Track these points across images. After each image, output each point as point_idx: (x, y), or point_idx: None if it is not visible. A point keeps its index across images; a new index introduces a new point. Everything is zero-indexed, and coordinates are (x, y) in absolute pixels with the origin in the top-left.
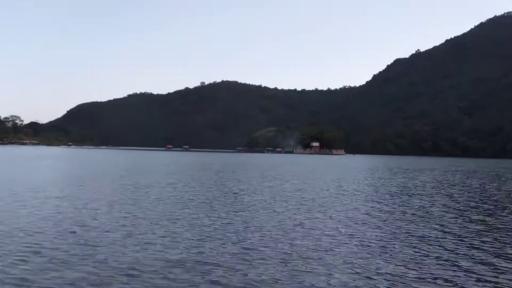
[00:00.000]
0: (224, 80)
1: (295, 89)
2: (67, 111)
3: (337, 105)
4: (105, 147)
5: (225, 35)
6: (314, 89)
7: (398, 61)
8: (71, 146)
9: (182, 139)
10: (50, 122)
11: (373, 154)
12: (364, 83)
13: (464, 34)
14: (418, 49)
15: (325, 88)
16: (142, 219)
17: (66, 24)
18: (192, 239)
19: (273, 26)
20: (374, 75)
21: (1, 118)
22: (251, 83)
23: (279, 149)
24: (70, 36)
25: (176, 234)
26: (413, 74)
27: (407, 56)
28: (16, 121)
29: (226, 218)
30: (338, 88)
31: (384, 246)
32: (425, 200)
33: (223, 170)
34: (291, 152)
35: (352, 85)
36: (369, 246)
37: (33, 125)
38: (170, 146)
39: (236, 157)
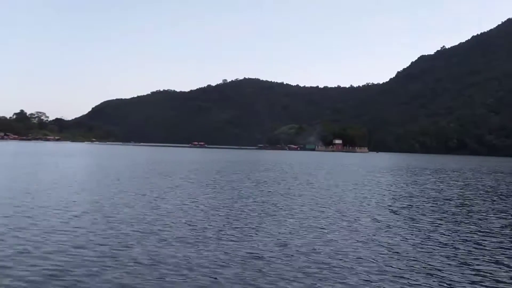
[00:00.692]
0: (246, 77)
1: (317, 86)
2: (92, 108)
3: (360, 102)
4: (128, 143)
5: (247, 32)
6: (336, 86)
7: (422, 58)
8: (95, 142)
9: (203, 136)
10: (75, 118)
11: (397, 151)
12: (387, 80)
13: (490, 30)
14: (444, 46)
15: (347, 85)
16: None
17: (91, 21)
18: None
19: (295, 23)
20: (398, 72)
21: (27, 114)
22: (272, 80)
23: (300, 146)
24: (95, 34)
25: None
26: (438, 71)
27: (431, 52)
28: (42, 117)
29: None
30: (360, 85)
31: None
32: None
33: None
34: (313, 150)
35: (375, 82)
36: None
37: (58, 121)
38: (195, 142)
39: (263, 154)
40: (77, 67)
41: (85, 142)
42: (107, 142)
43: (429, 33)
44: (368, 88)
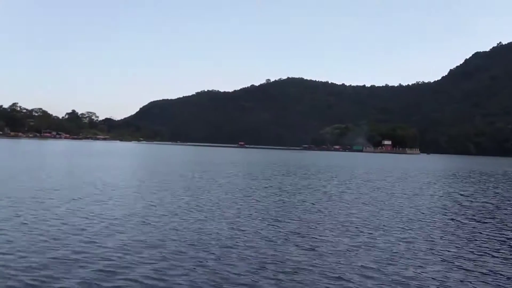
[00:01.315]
0: (290, 76)
1: (364, 85)
2: (140, 109)
3: (409, 101)
4: (174, 143)
5: (290, 31)
6: (384, 85)
7: (477, 55)
8: (142, 142)
9: (246, 136)
10: (124, 118)
11: (450, 153)
12: (439, 78)
13: None
14: (500, 42)
15: (396, 84)
16: None
17: (139, 23)
18: None
19: (340, 21)
20: (451, 70)
21: (78, 114)
22: (317, 80)
23: (347, 147)
24: (142, 37)
25: None
26: (495, 68)
27: (487, 49)
28: (92, 117)
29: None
30: (410, 84)
31: None
32: None
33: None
34: (361, 151)
35: (425, 81)
36: None
37: (108, 121)
38: (242, 142)
39: (310, 156)
40: (125, 69)
41: (133, 142)
42: (154, 142)
43: (484, 29)
44: (419, 87)
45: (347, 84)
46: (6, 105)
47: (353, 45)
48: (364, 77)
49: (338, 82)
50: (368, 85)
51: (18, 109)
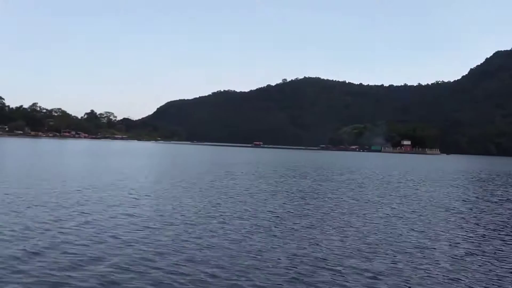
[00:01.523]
0: (307, 76)
1: (382, 85)
2: (157, 109)
3: (429, 101)
4: (190, 142)
5: (307, 31)
6: (402, 84)
7: (498, 54)
8: (159, 142)
9: (263, 136)
10: (141, 118)
11: (471, 154)
12: (459, 77)
13: None
14: None
15: (414, 83)
16: None
17: (155, 24)
18: None
19: (357, 20)
20: (471, 69)
21: (97, 114)
22: (334, 79)
23: (365, 147)
24: (158, 37)
25: None
26: None
27: (508, 48)
28: (111, 117)
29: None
30: (429, 83)
31: None
32: None
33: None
34: (379, 151)
35: (445, 80)
36: None
37: (126, 121)
38: (257, 142)
39: (329, 156)
40: (143, 70)
41: (150, 141)
42: (171, 142)
43: (506, 27)
44: (438, 87)
45: (365, 83)
46: (26, 105)
47: (371, 44)
48: (382, 76)
49: (356, 81)
50: (386, 84)
51: (38, 109)
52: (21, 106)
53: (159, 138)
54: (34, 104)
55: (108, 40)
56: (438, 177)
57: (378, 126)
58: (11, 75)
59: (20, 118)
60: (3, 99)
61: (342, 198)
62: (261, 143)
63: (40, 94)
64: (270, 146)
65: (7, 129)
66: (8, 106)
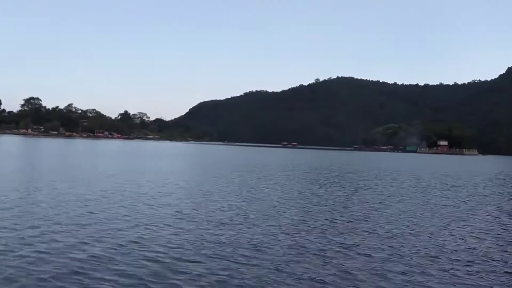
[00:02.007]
0: (339, 76)
1: (417, 84)
2: (189, 109)
3: (465, 100)
4: (222, 143)
5: (339, 31)
6: (438, 83)
7: None
8: (190, 142)
9: (294, 136)
10: (174, 119)
11: (509, 154)
12: (496, 76)
13: None
14: None
15: (450, 83)
16: None
17: (188, 26)
18: None
19: (390, 18)
20: (509, 68)
21: (130, 115)
22: (368, 79)
23: (400, 148)
24: (192, 37)
25: None
26: None
27: None
28: (144, 118)
29: None
30: (465, 82)
31: None
32: None
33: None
34: (414, 151)
35: (482, 79)
36: None
37: (158, 121)
38: (285, 142)
39: (366, 156)
40: (176, 71)
41: (182, 142)
42: (202, 142)
43: None
44: (474, 86)
45: (399, 83)
46: (62, 106)
47: (404, 44)
48: (417, 75)
49: (390, 81)
50: (421, 83)
51: (73, 109)
52: (57, 107)
53: (190, 139)
54: (70, 105)
55: (142, 41)
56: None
57: (413, 126)
58: (48, 76)
59: (55, 119)
60: (40, 100)
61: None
62: (295, 143)
63: (75, 95)
64: (300, 146)
65: (42, 129)
66: (45, 107)
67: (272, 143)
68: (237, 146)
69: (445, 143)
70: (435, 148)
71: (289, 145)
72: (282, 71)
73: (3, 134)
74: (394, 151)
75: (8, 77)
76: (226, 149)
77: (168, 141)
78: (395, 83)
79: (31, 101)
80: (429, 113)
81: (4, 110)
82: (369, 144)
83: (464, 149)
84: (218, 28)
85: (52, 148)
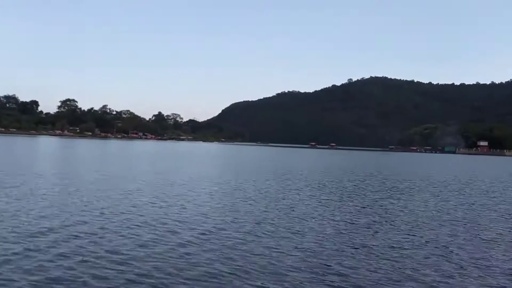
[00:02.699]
0: (373, 76)
1: (453, 84)
2: (222, 110)
3: (503, 99)
4: (254, 143)
5: (373, 30)
6: (475, 82)
7: None
8: (222, 142)
9: (329, 137)
10: (207, 120)
11: None
12: None
13: None
14: None
15: (488, 82)
16: None
17: (222, 26)
18: None
19: (425, 17)
20: None
21: (164, 116)
22: (402, 78)
23: (438, 149)
24: (224, 38)
25: None
26: None
27: None
28: (177, 119)
29: None
30: (503, 81)
31: None
32: None
33: None
34: (453, 152)
35: None
36: None
37: (191, 122)
38: (313, 143)
39: (408, 158)
40: (209, 72)
41: (214, 142)
42: (235, 143)
43: None
44: None
45: (434, 82)
46: (97, 107)
47: (439, 43)
48: (452, 75)
49: (425, 80)
50: (457, 83)
51: (108, 111)
52: (92, 108)
53: (222, 139)
54: (104, 106)
55: (175, 42)
56: None
57: (450, 126)
58: (84, 78)
59: (90, 120)
60: (76, 101)
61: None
62: (333, 144)
63: (110, 96)
64: (338, 147)
65: (78, 130)
66: (80, 108)
67: (304, 144)
68: (271, 147)
69: (485, 143)
70: (474, 148)
71: (317, 146)
72: (314, 71)
73: (40, 135)
74: (432, 152)
75: (45, 79)
76: (262, 151)
77: (201, 142)
78: (430, 82)
79: (67, 102)
80: (466, 113)
81: (41, 112)
82: (405, 145)
83: (505, 150)
84: (251, 29)
85: (98, 149)
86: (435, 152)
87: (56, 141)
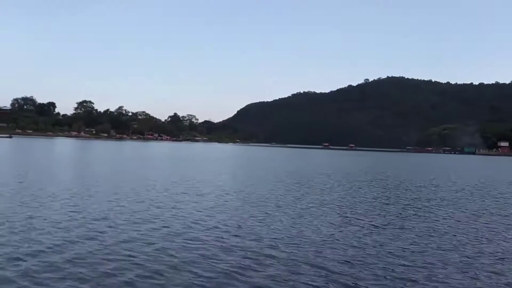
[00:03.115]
0: (389, 76)
1: (471, 83)
2: (237, 111)
3: None
4: (269, 144)
5: (389, 30)
6: (493, 82)
7: None
8: (238, 143)
9: (345, 138)
10: (222, 121)
11: None
12: None
13: None
14: None
15: (507, 81)
16: None
17: (237, 27)
18: None
19: (441, 16)
20: None
21: (180, 117)
22: (419, 78)
23: (457, 149)
24: (239, 38)
25: None
26: None
27: None
28: (192, 120)
29: None
30: None
31: None
32: None
33: None
34: (473, 153)
35: None
36: None
37: (207, 123)
38: (326, 144)
39: (432, 159)
40: (224, 73)
41: (229, 143)
42: (249, 144)
43: None
44: None
45: (452, 82)
46: (113, 108)
47: (457, 42)
48: (470, 74)
49: (443, 80)
50: (475, 83)
51: (124, 112)
52: (108, 109)
53: (238, 140)
54: (120, 108)
55: (190, 43)
56: None
57: (469, 126)
58: (100, 80)
59: (106, 121)
60: (93, 103)
61: None
62: (353, 145)
63: (126, 98)
64: (357, 148)
65: (94, 131)
66: (96, 110)
67: (319, 145)
68: (287, 148)
69: (506, 144)
70: (495, 149)
71: (330, 146)
72: (330, 72)
73: (56, 137)
74: (451, 153)
75: (62, 80)
76: (277, 152)
77: (216, 143)
78: (447, 82)
79: (84, 104)
80: (484, 113)
81: (58, 113)
82: (423, 146)
83: None
84: (266, 29)
85: (117, 151)
86: (454, 153)
87: (73, 142)
